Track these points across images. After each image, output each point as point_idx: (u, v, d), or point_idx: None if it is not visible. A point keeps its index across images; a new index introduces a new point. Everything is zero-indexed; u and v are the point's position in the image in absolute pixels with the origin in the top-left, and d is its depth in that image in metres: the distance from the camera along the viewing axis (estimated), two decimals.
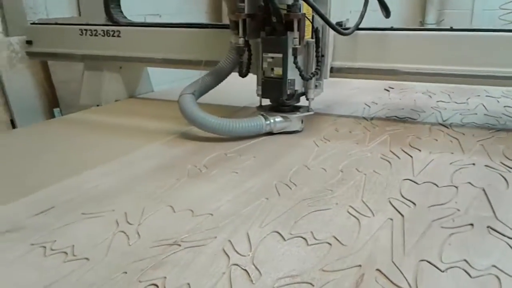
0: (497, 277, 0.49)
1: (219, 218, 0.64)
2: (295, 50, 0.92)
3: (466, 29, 1.03)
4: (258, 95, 1.04)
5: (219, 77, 1.08)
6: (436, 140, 0.96)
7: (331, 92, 1.44)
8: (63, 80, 1.82)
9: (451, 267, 0.51)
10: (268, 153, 0.90)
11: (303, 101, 1.06)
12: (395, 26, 1.09)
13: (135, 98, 1.48)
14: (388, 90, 1.46)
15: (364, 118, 1.14)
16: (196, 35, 1.25)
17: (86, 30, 1.40)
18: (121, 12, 1.50)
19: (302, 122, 1.03)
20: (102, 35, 1.38)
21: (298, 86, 1.00)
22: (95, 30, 1.39)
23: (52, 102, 1.83)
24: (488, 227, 0.60)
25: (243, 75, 1.05)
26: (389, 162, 0.83)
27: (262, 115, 1.00)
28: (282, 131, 1.01)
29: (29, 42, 1.52)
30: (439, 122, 1.08)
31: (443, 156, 0.86)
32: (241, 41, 0.98)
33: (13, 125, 1.69)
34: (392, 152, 0.89)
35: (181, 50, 1.27)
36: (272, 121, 0.99)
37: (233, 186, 0.75)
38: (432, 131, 1.02)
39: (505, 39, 0.98)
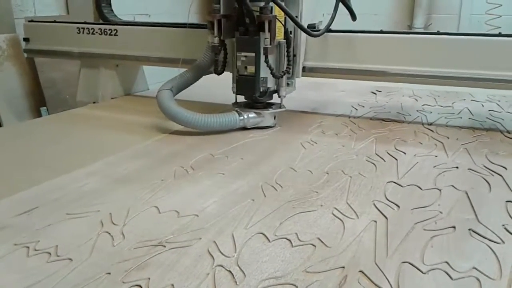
0: (478, 279, 0.50)
1: (204, 219, 0.64)
2: (266, 50, 0.97)
3: (426, 32, 1.14)
4: (233, 92, 1.09)
5: (196, 75, 1.13)
6: (421, 143, 0.97)
7: (318, 95, 1.46)
8: (51, 79, 1.81)
9: (433, 269, 0.52)
10: (255, 155, 0.90)
11: (277, 99, 1.11)
12: (384, 30, 1.13)
13: (131, 95, 1.50)
14: (375, 93, 1.47)
15: (351, 120, 1.15)
16: (193, 34, 1.26)
17: (83, 28, 1.41)
18: (112, 11, 1.51)
19: (274, 118, 1.09)
20: (99, 34, 1.39)
21: (271, 84, 1.05)
22: (92, 28, 1.40)
23: (39, 101, 1.82)
24: (470, 229, 0.61)
25: (218, 72, 1.10)
26: (374, 165, 0.84)
27: (236, 110, 1.05)
28: (255, 126, 1.06)
29: (26, 40, 1.52)
30: (425, 126, 1.10)
31: (427, 159, 0.87)
32: (216, 40, 1.02)
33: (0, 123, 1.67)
34: (377, 154, 0.89)
35: (178, 49, 1.28)
36: (245, 116, 1.04)
37: (219, 188, 0.75)
38: (417, 134, 1.03)
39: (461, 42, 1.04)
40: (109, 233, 0.60)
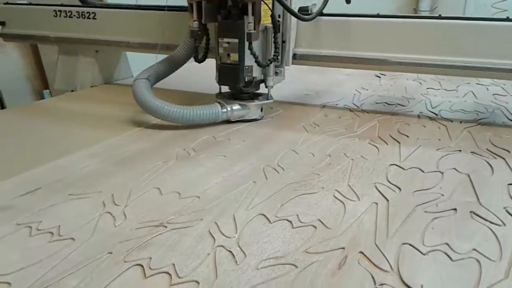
0: (478, 260, 0.50)
1: (206, 201, 0.64)
2: (249, 35, 0.87)
3: (427, 17, 1.02)
4: (216, 81, 1.00)
5: (176, 63, 1.04)
6: (424, 126, 0.96)
7: (322, 78, 1.45)
8: (54, 62, 1.80)
9: (433, 250, 0.52)
10: (258, 137, 0.90)
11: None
12: (389, 13, 1.05)
13: (111, 84, 1.41)
14: (379, 77, 1.46)
15: (354, 104, 1.14)
16: (178, 18, 1.15)
17: (60, 11, 1.31)
18: None
19: (261, 110, 1.01)
20: (77, 17, 1.29)
21: (257, 73, 0.96)
22: (69, 11, 1.30)
23: (42, 84, 1.82)
24: (471, 212, 0.61)
25: (199, 60, 1.00)
26: (377, 148, 0.84)
27: (219, 102, 0.97)
28: (240, 119, 0.99)
29: (2, 23, 1.42)
30: (428, 109, 1.09)
31: (430, 142, 0.87)
32: (195, 24, 0.92)
33: (2, 105, 1.68)
34: (380, 137, 0.89)
35: (161, 35, 1.17)
36: (229, 109, 0.96)
37: (221, 170, 0.75)
38: (420, 117, 1.02)
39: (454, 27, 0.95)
40: (111, 214, 0.60)
